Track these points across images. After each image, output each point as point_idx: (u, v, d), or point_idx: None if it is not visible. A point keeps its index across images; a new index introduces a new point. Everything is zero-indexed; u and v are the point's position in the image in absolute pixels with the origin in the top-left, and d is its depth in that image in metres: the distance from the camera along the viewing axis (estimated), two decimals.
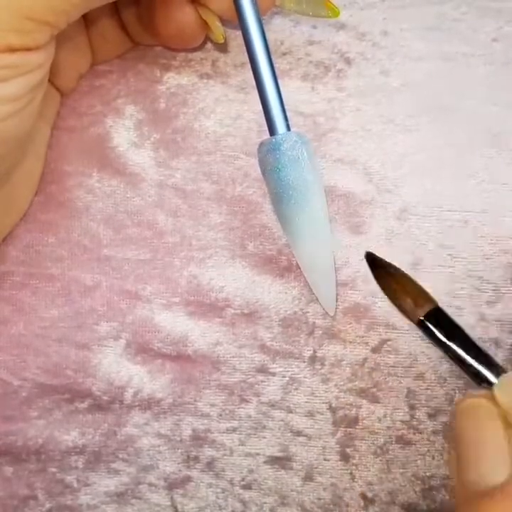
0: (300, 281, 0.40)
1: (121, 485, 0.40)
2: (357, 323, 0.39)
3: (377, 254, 0.39)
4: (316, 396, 0.39)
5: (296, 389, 0.39)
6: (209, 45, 0.43)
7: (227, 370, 0.40)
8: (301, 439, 0.39)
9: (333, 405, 0.39)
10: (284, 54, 0.43)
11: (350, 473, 0.39)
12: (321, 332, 0.39)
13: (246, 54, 0.37)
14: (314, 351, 0.39)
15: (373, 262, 0.39)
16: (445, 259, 0.39)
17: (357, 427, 0.39)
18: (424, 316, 0.37)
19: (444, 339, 0.36)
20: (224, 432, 0.40)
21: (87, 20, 0.41)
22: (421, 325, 0.37)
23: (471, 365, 0.35)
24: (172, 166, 0.42)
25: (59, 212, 0.41)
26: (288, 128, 0.37)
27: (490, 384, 0.34)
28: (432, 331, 0.36)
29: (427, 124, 0.41)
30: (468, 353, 0.35)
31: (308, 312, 0.40)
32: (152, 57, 0.43)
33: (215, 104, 0.42)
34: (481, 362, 0.35)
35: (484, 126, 0.41)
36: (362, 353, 0.39)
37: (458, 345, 0.36)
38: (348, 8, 0.43)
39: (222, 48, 0.43)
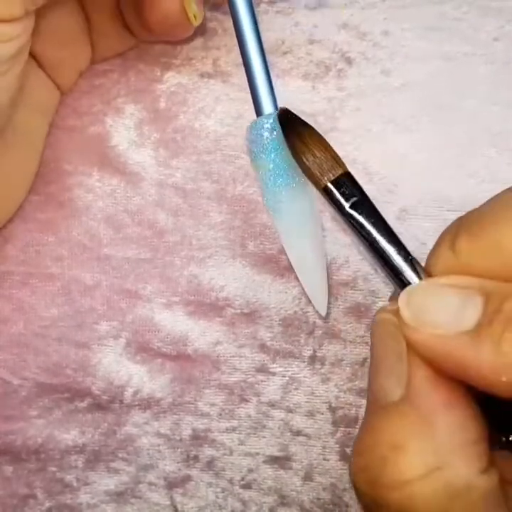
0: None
1: (120, 484, 0.40)
2: (357, 323, 0.39)
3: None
4: (316, 396, 0.39)
5: (296, 389, 0.39)
6: (209, 43, 0.43)
7: (227, 369, 0.40)
8: (300, 438, 0.39)
9: (333, 405, 0.39)
10: (285, 53, 0.42)
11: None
12: (321, 332, 0.39)
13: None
14: (314, 351, 0.39)
15: (286, 118, 0.35)
16: None
17: (357, 426, 0.39)
18: (331, 182, 0.32)
19: (349, 210, 0.32)
20: (224, 432, 0.40)
21: (87, 15, 0.41)
22: (326, 192, 0.33)
23: (380, 249, 0.31)
24: (172, 165, 0.41)
25: (59, 212, 0.41)
26: (276, 107, 0.37)
27: (401, 279, 0.30)
28: (337, 199, 0.32)
29: (427, 123, 0.41)
30: (378, 232, 0.31)
31: (308, 312, 0.40)
32: (152, 56, 0.43)
33: (216, 104, 0.42)
34: (391, 243, 0.31)
35: (485, 125, 0.41)
36: (362, 353, 0.39)
37: (367, 220, 0.32)
38: (349, 8, 0.43)
39: (222, 47, 0.43)
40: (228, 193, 0.41)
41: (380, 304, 0.39)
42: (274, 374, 0.39)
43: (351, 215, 0.32)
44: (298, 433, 0.39)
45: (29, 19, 0.34)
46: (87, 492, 0.40)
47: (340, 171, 0.33)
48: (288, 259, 0.40)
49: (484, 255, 0.27)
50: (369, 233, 0.31)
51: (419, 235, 0.40)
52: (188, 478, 0.40)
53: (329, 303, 0.39)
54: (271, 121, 0.36)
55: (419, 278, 0.30)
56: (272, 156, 0.36)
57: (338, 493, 0.39)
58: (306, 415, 0.39)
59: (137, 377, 0.40)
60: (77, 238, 0.41)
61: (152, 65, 0.43)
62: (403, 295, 0.28)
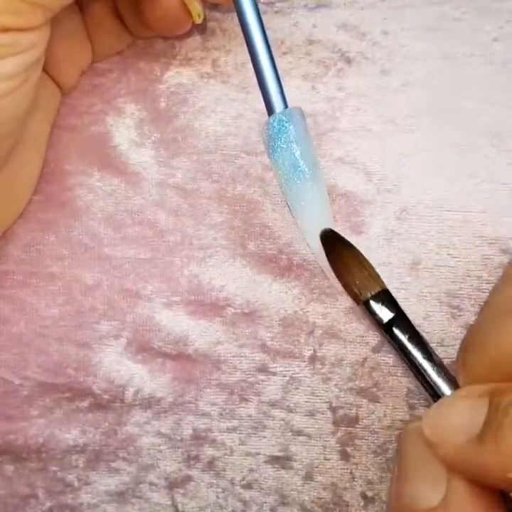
0: (300, 280, 0.40)
1: (121, 484, 0.40)
2: (357, 323, 0.39)
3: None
4: (317, 395, 0.39)
5: (297, 388, 0.39)
6: (209, 43, 0.43)
7: (228, 369, 0.40)
8: (301, 438, 0.39)
9: (334, 405, 0.39)
10: (285, 53, 0.43)
11: (351, 473, 0.39)
12: (321, 331, 0.39)
13: (247, 54, 0.37)
14: (314, 351, 0.39)
15: (327, 238, 0.37)
16: (445, 259, 0.39)
17: (357, 426, 0.39)
18: (370, 298, 0.35)
19: (386, 324, 0.35)
20: (224, 432, 0.40)
21: (85, 12, 0.41)
22: (366, 307, 0.36)
23: (417, 363, 0.34)
24: (173, 165, 0.42)
25: (60, 211, 0.41)
26: (286, 105, 0.37)
27: (434, 391, 0.33)
28: (376, 313, 0.35)
29: (427, 123, 0.41)
30: (416, 347, 0.34)
31: (308, 311, 0.40)
32: (152, 56, 0.43)
33: (216, 104, 0.42)
34: (429, 360, 0.34)
35: (484, 126, 0.41)
36: (362, 353, 0.39)
37: (404, 335, 0.35)
38: (349, 8, 0.43)
39: (221, 47, 0.43)
40: (228, 193, 0.41)
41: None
42: (274, 374, 0.40)
43: (389, 330, 0.35)
44: (298, 433, 0.39)
45: (46, 27, 0.34)
46: (88, 492, 0.40)
47: (378, 288, 0.36)
48: (288, 259, 0.40)
49: (491, 369, 0.29)
50: (406, 348, 0.35)
51: (419, 235, 0.40)
52: (188, 478, 0.40)
53: (331, 303, 0.39)
54: (289, 116, 0.37)
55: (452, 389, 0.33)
56: (295, 146, 0.37)
57: (339, 492, 0.39)
58: (306, 415, 0.39)
59: (138, 376, 0.40)
60: (78, 238, 0.41)
61: (152, 65, 0.43)
62: (424, 417, 0.30)
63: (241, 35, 0.37)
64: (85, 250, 0.41)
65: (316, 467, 0.39)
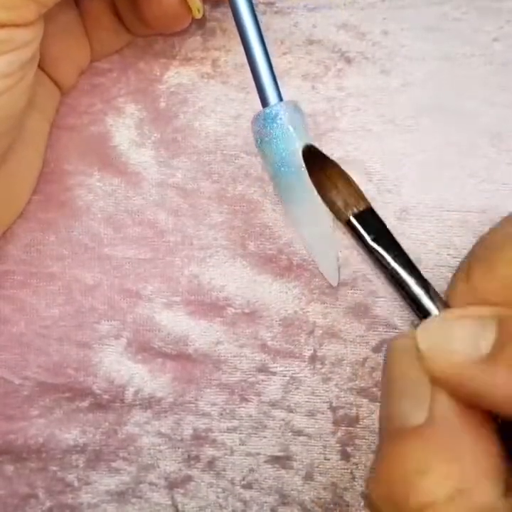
0: (300, 280, 0.40)
1: (121, 484, 0.40)
2: (357, 323, 0.39)
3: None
4: (317, 395, 0.39)
5: (297, 388, 0.39)
6: (209, 43, 0.43)
7: (228, 369, 0.40)
8: (301, 438, 0.39)
9: (334, 404, 0.39)
10: (285, 53, 0.43)
11: (351, 473, 0.39)
12: (321, 331, 0.40)
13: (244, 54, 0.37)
14: (315, 351, 0.39)
15: (310, 154, 0.37)
16: (445, 259, 0.39)
17: (357, 426, 0.39)
18: (354, 216, 0.34)
19: (371, 242, 0.33)
20: (225, 432, 0.40)
21: (82, 10, 0.41)
22: (349, 225, 0.34)
23: (401, 280, 0.32)
24: (173, 165, 0.42)
25: (60, 212, 0.41)
26: (280, 98, 0.37)
27: (421, 310, 0.31)
28: (360, 233, 0.34)
29: (427, 123, 0.41)
30: (401, 266, 0.33)
31: (308, 311, 0.40)
32: (152, 56, 0.43)
33: (216, 104, 0.42)
34: (415, 281, 0.32)
35: (484, 126, 0.41)
36: (362, 353, 0.39)
37: (390, 254, 0.33)
38: (349, 8, 0.43)
39: (221, 47, 0.43)
40: (228, 193, 0.41)
41: (380, 303, 0.39)
42: (274, 374, 0.40)
43: (373, 248, 0.33)
44: (299, 433, 0.39)
45: (40, 23, 0.34)
46: (88, 492, 0.40)
47: (363, 206, 0.34)
48: (288, 259, 0.40)
49: (497, 289, 0.28)
50: (390, 265, 0.33)
51: (419, 235, 0.40)
52: (188, 478, 0.40)
53: (331, 303, 0.40)
54: (284, 108, 0.37)
55: (438, 310, 0.31)
56: (284, 139, 0.37)
57: (339, 492, 0.39)
58: (306, 415, 0.39)
59: (138, 376, 0.40)
60: (78, 238, 0.41)
61: (152, 65, 0.43)
62: (421, 326, 0.29)
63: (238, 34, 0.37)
64: (85, 250, 0.41)
65: (317, 467, 0.39)
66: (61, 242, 0.41)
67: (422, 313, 0.31)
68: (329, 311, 0.40)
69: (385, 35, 0.42)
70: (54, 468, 0.40)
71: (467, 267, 0.30)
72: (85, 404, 0.40)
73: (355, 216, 0.34)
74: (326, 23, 0.43)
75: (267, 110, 0.37)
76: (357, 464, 0.39)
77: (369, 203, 0.35)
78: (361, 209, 0.34)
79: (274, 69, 0.37)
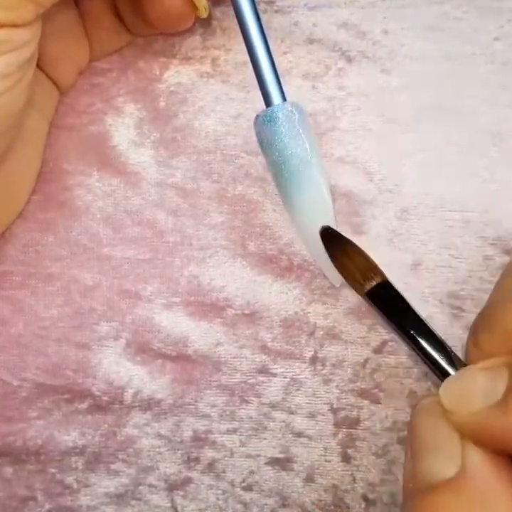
0: (301, 281, 0.40)
1: (121, 486, 0.40)
2: (358, 324, 0.39)
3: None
4: (317, 397, 0.39)
5: (297, 390, 0.39)
6: (209, 43, 0.43)
7: (228, 370, 0.40)
8: (302, 440, 0.39)
9: (335, 406, 0.39)
10: (285, 53, 0.42)
11: (352, 475, 0.39)
12: (322, 332, 0.39)
13: (246, 53, 0.37)
14: (315, 352, 0.39)
15: (327, 236, 0.38)
16: (446, 260, 0.39)
17: (358, 428, 0.39)
18: (370, 290, 0.36)
19: (391, 315, 0.35)
20: (225, 433, 0.39)
21: (82, 9, 0.41)
22: (368, 298, 0.36)
23: (422, 348, 0.34)
24: (172, 165, 0.41)
25: (59, 212, 0.41)
26: (284, 98, 0.37)
27: (441, 371, 0.33)
28: (379, 305, 0.36)
29: (427, 123, 0.41)
30: (419, 335, 0.34)
31: (309, 312, 0.40)
32: (152, 55, 0.43)
33: (216, 103, 0.42)
34: (433, 346, 0.34)
35: (485, 125, 0.41)
36: (363, 354, 0.39)
37: (408, 325, 0.35)
38: (349, 7, 0.43)
39: (221, 46, 0.43)
40: (228, 193, 0.41)
41: None
42: (275, 375, 0.39)
43: (394, 320, 0.35)
44: (299, 434, 0.39)
45: (38, 23, 0.34)
46: (87, 494, 0.40)
47: (379, 280, 0.36)
48: (289, 259, 0.40)
49: (502, 343, 0.31)
50: (411, 337, 0.34)
51: (419, 235, 0.40)
52: (188, 480, 0.40)
53: (332, 304, 0.39)
54: (290, 107, 0.37)
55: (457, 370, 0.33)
56: (285, 140, 0.37)
57: (340, 494, 0.39)
58: (307, 416, 0.39)
59: (137, 378, 0.40)
60: (77, 238, 0.41)
61: (152, 64, 0.43)
62: (443, 385, 0.31)
63: (240, 33, 0.37)
64: (84, 251, 0.41)
65: (317, 469, 0.39)
66: (60, 242, 0.41)
67: (444, 376, 0.33)
68: (330, 312, 0.40)
69: (386, 34, 0.42)
70: (53, 470, 0.40)
71: (474, 328, 0.33)
72: (84, 405, 0.40)
73: (373, 289, 0.36)
74: (327, 22, 0.43)
75: (270, 110, 0.37)
76: (358, 466, 0.39)
77: (385, 276, 0.36)
78: (378, 282, 0.36)
79: (270, 78, 0.37)
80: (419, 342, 0.34)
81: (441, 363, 0.33)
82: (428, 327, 0.34)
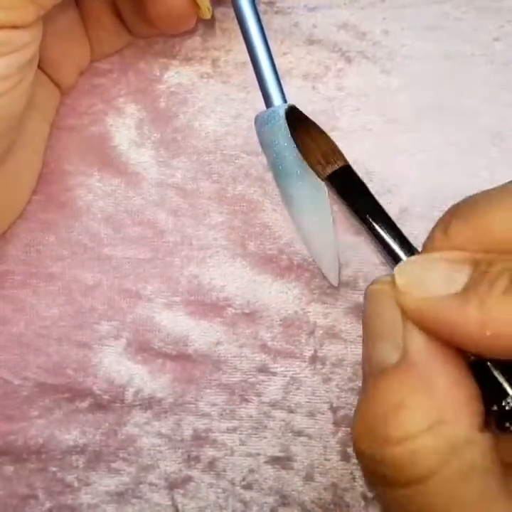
0: (301, 280, 0.40)
1: (121, 484, 0.40)
2: (358, 323, 0.39)
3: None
4: (317, 396, 0.39)
5: (297, 389, 0.39)
6: (209, 43, 0.43)
7: (228, 369, 0.40)
8: (301, 438, 0.39)
9: (334, 405, 0.39)
10: (285, 53, 0.42)
11: (351, 473, 0.39)
12: (321, 332, 0.39)
13: (246, 53, 0.37)
14: (315, 351, 0.39)
15: (293, 115, 0.37)
16: None
17: None
18: (332, 173, 0.35)
19: (349, 199, 0.34)
20: (225, 432, 0.40)
21: (83, 10, 0.41)
22: (330, 182, 0.35)
23: (379, 235, 0.33)
24: (173, 165, 0.41)
25: (59, 212, 0.41)
26: (284, 100, 0.37)
27: (397, 261, 0.32)
28: (338, 189, 0.35)
29: (427, 123, 0.41)
30: (375, 219, 0.33)
31: (309, 312, 0.40)
32: (152, 56, 0.43)
33: (216, 103, 0.42)
34: (390, 234, 0.33)
35: (485, 125, 0.41)
36: None
37: (366, 209, 0.34)
38: (349, 7, 0.43)
39: (221, 47, 0.43)
40: (228, 193, 0.41)
41: None
42: (275, 374, 0.39)
43: (353, 205, 0.34)
44: (299, 433, 0.39)
45: (39, 25, 0.34)
46: (87, 492, 0.40)
47: (341, 163, 0.35)
48: (288, 259, 0.40)
49: (474, 237, 0.29)
50: (369, 222, 0.33)
51: (419, 235, 0.39)
52: (188, 479, 0.40)
53: (332, 304, 0.39)
54: (281, 111, 0.37)
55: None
56: (286, 141, 0.37)
57: (340, 493, 0.39)
58: (307, 415, 0.39)
59: (138, 377, 0.40)
60: (78, 238, 0.41)
61: (152, 65, 0.43)
62: (398, 266, 0.30)
63: (241, 35, 0.37)
64: (85, 250, 0.41)
65: (317, 468, 0.39)
66: (61, 242, 0.41)
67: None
68: (330, 312, 0.40)
69: (386, 34, 0.42)
70: (54, 468, 0.40)
71: (448, 215, 0.30)
72: (85, 404, 0.40)
73: (335, 172, 0.35)
74: (326, 22, 0.43)
75: (271, 111, 0.37)
76: (357, 465, 0.39)
77: (347, 161, 0.35)
78: (340, 166, 0.35)
79: (270, 79, 0.37)
80: (376, 228, 0.33)
81: (398, 251, 0.32)
82: (386, 214, 0.34)
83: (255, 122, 0.38)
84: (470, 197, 0.30)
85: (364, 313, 0.30)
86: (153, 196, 0.41)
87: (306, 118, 0.37)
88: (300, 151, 0.36)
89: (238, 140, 0.41)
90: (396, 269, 0.29)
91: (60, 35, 0.40)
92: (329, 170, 0.35)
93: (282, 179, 0.38)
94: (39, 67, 0.39)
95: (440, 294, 0.28)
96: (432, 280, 0.28)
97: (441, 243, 0.30)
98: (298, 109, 0.37)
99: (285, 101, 0.37)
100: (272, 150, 0.37)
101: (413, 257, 0.31)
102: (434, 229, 0.31)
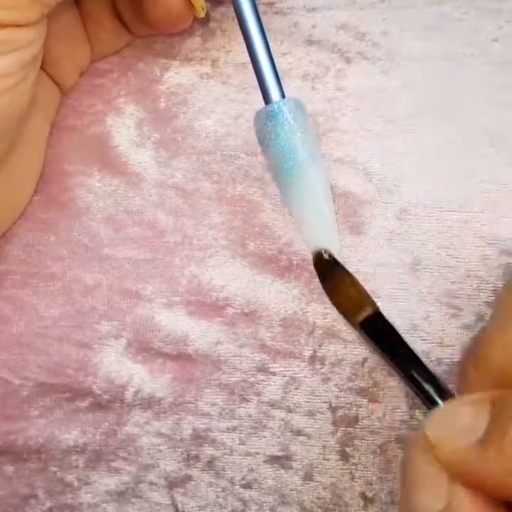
0: (300, 280, 0.40)
1: (121, 484, 0.40)
2: None
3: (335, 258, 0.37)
4: (316, 395, 0.39)
5: (297, 388, 0.39)
6: (209, 44, 0.43)
7: (228, 369, 0.40)
8: (301, 438, 0.39)
9: (333, 405, 0.39)
10: (284, 54, 0.43)
11: (350, 473, 0.39)
12: (321, 331, 0.40)
13: (246, 54, 0.37)
14: (314, 351, 0.40)
15: (319, 261, 0.38)
16: (445, 260, 0.39)
17: (357, 426, 0.39)
18: (363, 321, 0.36)
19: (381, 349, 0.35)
20: (224, 431, 0.40)
21: (83, 11, 0.41)
22: (362, 328, 0.36)
23: (413, 379, 0.34)
24: (172, 165, 0.42)
25: (60, 212, 0.41)
26: (283, 96, 0.37)
27: (432, 402, 0.33)
28: (372, 336, 0.36)
29: (426, 123, 0.41)
30: (409, 366, 0.34)
31: (308, 312, 0.40)
32: (152, 57, 0.43)
33: (215, 104, 0.42)
34: (423, 377, 0.34)
35: (484, 126, 0.41)
36: (362, 353, 0.39)
37: (398, 356, 0.35)
38: (348, 8, 0.43)
39: (221, 48, 0.43)
40: (228, 193, 0.41)
41: (380, 303, 0.39)
42: (274, 374, 0.40)
43: (386, 350, 0.35)
44: (298, 433, 0.39)
45: (43, 24, 0.34)
46: (88, 492, 0.40)
47: (371, 310, 0.36)
48: (288, 259, 0.40)
49: (489, 380, 0.30)
50: (401, 366, 0.34)
51: (419, 235, 0.40)
52: (188, 478, 0.40)
53: (331, 304, 0.40)
54: (287, 104, 0.37)
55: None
56: (298, 134, 0.37)
57: (339, 492, 0.39)
58: (306, 415, 0.39)
59: (138, 377, 0.40)
60: (78, 238, 0.41)
61: (152, 66, 0.43)
62: (428, 417, 0.30)
63: (241, 35, 0.37)
64: (85, 250, 0.41)
65: (316, 467, 0.39)
66: (61, 242, 0.41)
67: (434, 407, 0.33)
68: (329, 312, 0.40)
69: (385, 35, 0.42)
70: (54, 468, 0.40)
71: (463, 360, 0.32)
72: (85, 404, 0.40)
73: (366, 320, 0.36)
74: (326, 23, 0.43)
75: (269, 107, 0.37)
76: (356, 465, 0.39)
77: (377, 307, 0.36)
78: (371, 312, 0.36)
79: (269, 74, 0.37)
80: (411, 375, 0.34)
81: (432, 395, 0.33)
82: (419, 358, 0.34)
83: (254, 119, 0.38)
84: (477, 337, 0.32)
85: (401, 462, 0.30)
86: (153, 196, 0.41)
87: (334, 263, 0.37)
88: (329, 296, 0.37)
89: (238, 141, 0.42)
90: (426, 423, 0.30)
91: (60, 35, 0.40)
92: (361, 317, 0.36)
93: (282, 176, 0.38)
94: (40, 66, 0.39)
95: (466, 443, 0.27)
96: (457, 429, 0.28)
97: (463, 389, 0.31)
98: (324, 255, 0.37)
99: (283, 96, 0.37)
100: (272, 146, 0.37)
101: (440, 408, 0.32)
102: (457, 373, 0.32)
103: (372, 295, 0.39)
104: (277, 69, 0.37)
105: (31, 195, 0.42)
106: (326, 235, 0.38)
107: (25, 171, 0.40)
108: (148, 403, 0.40)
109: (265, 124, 0.37)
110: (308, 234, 0.38)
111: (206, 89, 0.42)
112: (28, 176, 0.41)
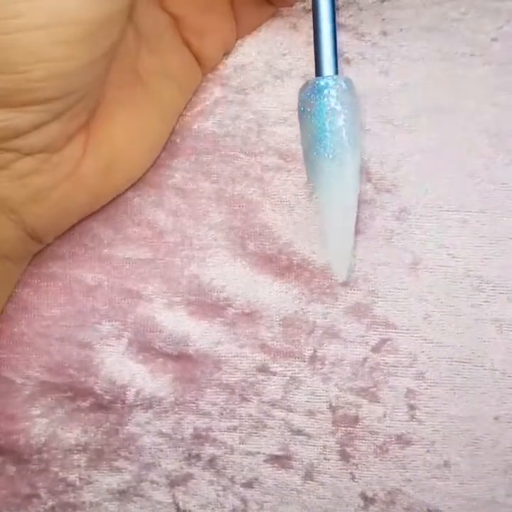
0: (300, 280, 0.40)
1: (123, 483, 0.40)
2: (357, 323, 0.40)
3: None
4: (317, 395, 0.40)
5: (297, 388, 0.40)
6: None
7: (228, 369, 0.40)
8: (301, 438, 0.39)
9: (333, 404, 0.39)
10: (284, 55, 0.42)
11: (350, 473, 0.39)
12: (321, 331, 0.40)
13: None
14: (315, 351, 0.40)
15: None
16: (444, 259, 0.40)
17: (357, 426, 0.39)
18: None
19: None
20: (225, 431, 0.40)
21: None
22: None
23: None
24: (172, 166, 0.42)
25: None
26: (336, 72, 0.36)
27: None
28: None
29: (426, 124, 0.41)
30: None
31: (308, 311, 0.40)
32: None
33: (214, 105, 0.42)
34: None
35: (483, 126, 0.41)
36: (362, 353, 0.39)
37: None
38: (347, 9, 0.43)
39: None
40: (227, 193, 0.41)
41: (380, 303, 0.39)
42: (274, 374, 0.40)
43: None
44: (298, 432, 0.39)
45: None
46: (89, 491, 0.40)
47: None
48: (288, 259, 0.40)
49: None
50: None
51: (418, 235, 0.40)
52: (189, 477, 0.40)
53: (331, 303, 0.40)
54: (337, 82, 0.36)
55: None
56: (341, 116, 0.36)
57: (338, 492, 0.39)
58: (306, 415, 0.40)
59: (139, 376, 0.40)
60: (78, 238, 0.41)
61: None
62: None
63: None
64: (86, 251, 0.41)
65: (316, 467, 0.39)
66: (61, 242, 0.41)
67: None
68: (329, 311, 0.40)
69: (384, 35, 0.42)
70: (56, 468, 0.40)
71: None
72: (87, 404, 0.40)
73: None
74: None
75: (318, 80, 0.36)
76: (356, 465, 0.39)
77: None
78: None
79: (327, 47, 0.37)
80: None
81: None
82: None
83: (301, 88, 0.37)
84: None
85: None
86: (153, 197, 0.41)
87: None
88: None
89: (237, 141, 0.42)
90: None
91: (204, 5, 0.39)
92: None
93: (312, 156, 0.36)
94: (183, 38, 0.39)
95: None
96: None
97: None
98: None
99: (336, 73, 0.37)
100: (311, 122, 0.36)
101: None
102: None
103: (372, 295, 0.39)
104: (338, 47, 0.37)
105: (150, 164, 0.41)
106: (344, 231, 0.37)
107: (145, 135, 0.39)
108: (150, 403, 0.40)
109: (307, 97, 0.36)
110: (329, 224, 0.37)
111: (205, 91, 0.42)
112: (148, 142, 0.40)
